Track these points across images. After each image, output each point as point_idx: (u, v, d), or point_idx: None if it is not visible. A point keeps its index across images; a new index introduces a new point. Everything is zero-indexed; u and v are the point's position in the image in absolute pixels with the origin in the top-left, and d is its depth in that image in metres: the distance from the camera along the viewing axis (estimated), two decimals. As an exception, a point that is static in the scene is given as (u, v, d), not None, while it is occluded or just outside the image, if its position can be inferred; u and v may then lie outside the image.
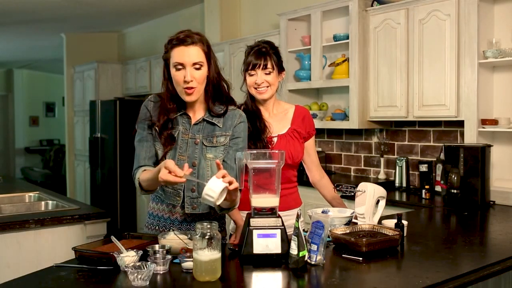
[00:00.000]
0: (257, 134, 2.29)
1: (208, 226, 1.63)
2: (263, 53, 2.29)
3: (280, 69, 2.35)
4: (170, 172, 1.70)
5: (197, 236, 1.63)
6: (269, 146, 2.31)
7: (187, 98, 1.95)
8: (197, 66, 1.92)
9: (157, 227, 2.10)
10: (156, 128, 1.99)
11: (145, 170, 1.96)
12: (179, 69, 1.92)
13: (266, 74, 2.29)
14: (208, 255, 1.60)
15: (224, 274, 1.66)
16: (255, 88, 2.31)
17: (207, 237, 1.61)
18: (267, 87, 2.30)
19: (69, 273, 1.67)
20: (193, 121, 2.03)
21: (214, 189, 1.69)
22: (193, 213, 2.04)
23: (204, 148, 2.00)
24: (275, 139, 2.34)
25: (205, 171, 2.00)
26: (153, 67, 6.63)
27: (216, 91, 2.02)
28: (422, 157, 3.94)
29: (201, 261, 1.60)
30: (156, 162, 2.02)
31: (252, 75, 2.30)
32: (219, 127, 2.02)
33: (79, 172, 7.95)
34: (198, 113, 2.04)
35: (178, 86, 1.94)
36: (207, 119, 2.02)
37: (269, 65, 2.28)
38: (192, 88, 1.92)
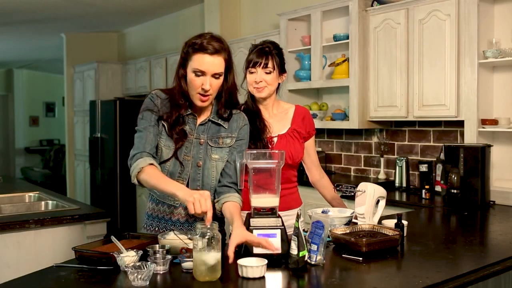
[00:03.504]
0: (257, 134, 2.29)
1: (208, 226, 1.63)
2: (265, 52, 2.29)
3: (281, 70, 2.34)
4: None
5: (197, 236, 1.63)
6: (269, 146, 2.31)
7: (200, 104, 1.96)
8: (217, 76, 1.92)
9: (156, 229, 2.09)
10: (164, 123, 1.97)
11: (152, 164, 1.90)
12: (198, 76, 1.91)
13: (266, 73, 2.29)
14: (208, 255, 1.60)
15: (224, 274, 1.66)
16: (254, 87, 2.32)
17: (207, 237, 1.61)
18: (265, 86, 2.30)
19: (69, 273, 1.67)
20: (198, 122, 2.03)
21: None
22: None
23: (209, 149, 2.01)
24: (275, 139, 2.34)
25: (210, 171, 2.01)
26: (153, 67, 6.63)
27: (230, 98, 2.03)
28: (422, 157, 3.94)
29: (201, 261, 1.60)
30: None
31: (252, 72, 2.30)
32: (224, 128, 2.03)
33: (79, 172, 7.95)
34: (204, 114, 2.04)
35: (192, 90, 1.93)
36: (213, 119, 2.03)
37: (269, 65, 2.28)
38: (208, 95, 1.93)
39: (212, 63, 1.89)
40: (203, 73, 1.90)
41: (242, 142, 2.06)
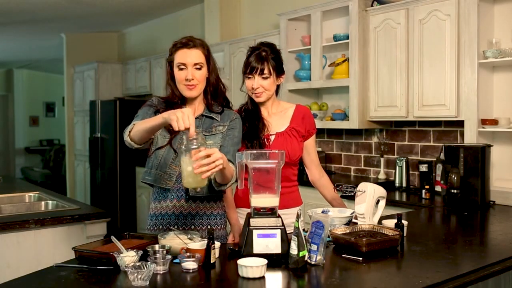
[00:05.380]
0: (255, 133, 2.32)
1: (196, 137, 1.72)
2: (262, 58, 2.30)
3: (279, 72, 2.36)
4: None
5: (183, 147, 1.73)
6: (266, 143, 2.33)
7: (188, 93, 2.10)
8: (198, 66, 2.09)
9: (160, 226, 2.14)
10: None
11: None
12: (182, 69, 2.08)
13: (263, 79, 2.32)
14: (194, 162, 1.70)
15: (224, 274, 1.66)
16: (252, 92, 2.34)
17: (194, 146, 1.71)
18: (263, 91, 2.33)
19: (69, 273, 1.68)
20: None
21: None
22: (196, 196, 2.11)
23: (204, 137, 2.06)
24: (272, 137, 2.36)
25: None
26: (153, 67, 6.63)
27: (215, 92, 2.17)
28: (422, 157, 3.94)
29: (187, 169, 1.71)
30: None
31: (250, 78, 2.33)
32: (217, 120, 2.15)
33: (79, 172, 7.95)
34: (197, 110, 2.16)
35: (180, 84, 2.09)
36: (206, 114, 2.16)
37: (266, 71, 2.30)
38: (193, 85, 2.07)
39: (190, 55, 2.07)
40: (185, 65, 2.07)
41: (235, 131, 2.16)
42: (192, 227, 2.10)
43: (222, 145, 2.11)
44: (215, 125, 2.14)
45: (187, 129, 1.73)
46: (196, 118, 2.11)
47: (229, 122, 2.16)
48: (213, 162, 1.73)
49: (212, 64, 2.14)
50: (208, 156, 1.72)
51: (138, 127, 1.94)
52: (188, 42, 2.08)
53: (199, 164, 1.71)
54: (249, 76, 2.33)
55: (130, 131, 1.97)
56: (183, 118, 1.73)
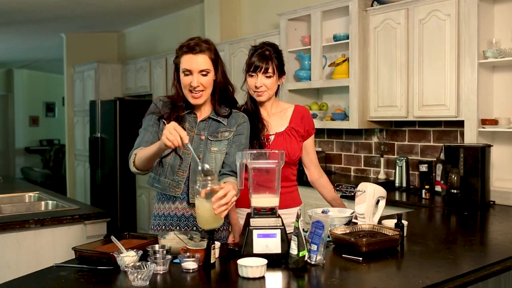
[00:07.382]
0: (255, 133, 2.33)
1: (209, 179, 1.74)
2: (266, 57, 2.31)
3: (281, 73, 2.37)
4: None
5: (198, 188, 1.74)
6: (266, 143, 2.33)
7: (193, 101, 2.09)
8: (204, 72, 2.05)
9: (163, 227, 2.15)
10: (165, 121, 2.09)
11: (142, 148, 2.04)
12: (187, 75, 2.05)
13: (266, 77, 2.32)
14: (210, 204, 1.71)
15: (224, 274, 1.66)
16: (254, 91, 2.34)
17: (208, 188, 1.72)
18: (265, 90, 2.34)
19: (69, 273, 1.68)
20: (199, 119, 2.14)
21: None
22: None
23: (209, 143, 2.11)
24: (272, 137, 2.37)
25: (210, 163, 2.08)
26: (153, 67, 6.63)
27: (222, 94, 2.16)
28: (422, 157, 3.94)
29: (204, 211, 1.73)
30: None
31: (252, 76, 2.33)
32: (223, 124, 2.14)
33: (79, 172, 7.95)
34: (204, 113, 2.16)
35: (185, 89, 2.08)
36: (213, 117, 2.14)
37: (270, 70, 2.31)
38: (198, 92, 2.06)
39: (196, 61, 2.04)
40: (190, 72, 2.04)
41: (242, 136, 2.15)
42: (195, 228, 2.10)
43: (227, 153, 2.11)
44: (221, 130, 2.12)
45: (181, 139, 1.75)
46: (202, 120, 2.13)
47: (236, 127, 2.14)
48: (230, 200, 1.76)
49: (219, 67, 2.10)
50: (225, 195, 1.75)
51: (139, 156, 1.98)
52: (194, 47, 2.03)
53: (219, 204, 1.73)
54: (252, 74, 2.32)
55: (134, 161, 2.01)
56: (171, 133, 1.76)
